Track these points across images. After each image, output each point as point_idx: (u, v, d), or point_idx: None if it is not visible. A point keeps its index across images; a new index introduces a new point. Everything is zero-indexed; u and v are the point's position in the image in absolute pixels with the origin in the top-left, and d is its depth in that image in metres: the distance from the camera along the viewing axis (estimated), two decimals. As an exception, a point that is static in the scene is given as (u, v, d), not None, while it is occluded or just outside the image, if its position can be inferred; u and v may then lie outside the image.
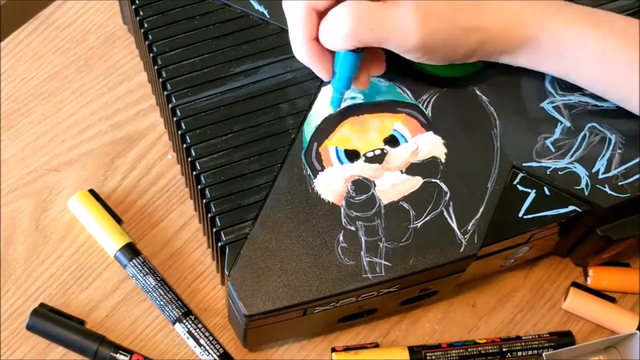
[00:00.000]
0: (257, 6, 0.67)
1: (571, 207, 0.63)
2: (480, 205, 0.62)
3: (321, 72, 0.60)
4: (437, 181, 0.62)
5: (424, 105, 0.64)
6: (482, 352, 0.68)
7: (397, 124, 0.64)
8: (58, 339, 0.69)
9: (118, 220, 0.72)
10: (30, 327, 0.69)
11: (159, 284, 0.70)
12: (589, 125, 0.64)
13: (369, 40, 0.57)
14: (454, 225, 0.61)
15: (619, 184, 0.63)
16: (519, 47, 0.60)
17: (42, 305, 0.70)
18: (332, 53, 0.60)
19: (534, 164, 0.63)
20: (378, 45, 0.58)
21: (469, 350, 0.68)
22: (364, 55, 0.60)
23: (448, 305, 0.72)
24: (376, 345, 0.69)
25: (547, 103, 0.65)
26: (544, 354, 0.66)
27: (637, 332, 0.65)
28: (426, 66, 0.62)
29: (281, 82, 0.65)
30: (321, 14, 0.58)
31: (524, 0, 0.59)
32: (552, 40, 0.59)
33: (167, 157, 0.76)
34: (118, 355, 0.68)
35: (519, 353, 0.69)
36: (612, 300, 0.71)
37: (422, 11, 0.57)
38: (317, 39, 0.59)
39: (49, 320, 0.69)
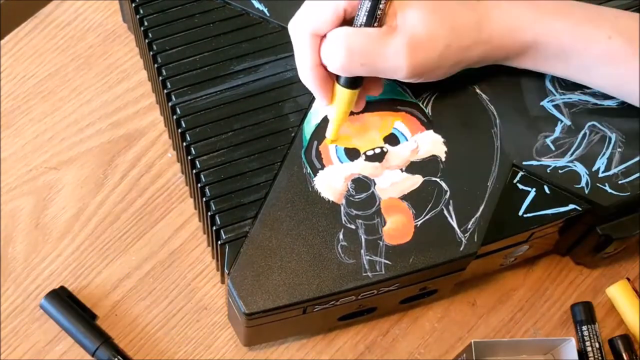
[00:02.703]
0: (257, 4, 0.67)
1: (571, 206, 0.63)
2: (480, 203, 0.62)
3: (323, 99, 0.60)
4: (437, 180, 0.62)
5: (424, 104, 0.64)
6: None
7: (397, 122, 0.64)
8: (64, 327, 0.69)
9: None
10: (43, 307, 0.69)
11: None
12: (589, 123, 0.64)
13: (361, 72, 0.58)
14: (454, 224, 0.61)
15: (619, 182, 0.63)
16: (523, 52, 0.60)
17: (62, 288, 0.70)
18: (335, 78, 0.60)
19: (534, 163, 0.63)
20: (371, 75, 0.59)
21: None
22: (361, 88, 0.60)
23: (448, 304, 0.72)
24: None
25: (547, 101, 0.65)
26: (472, 341, 0.65)
27: (571, 338, 0.66)
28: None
29: (281, 81, 0.65)
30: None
31: (524, 1, 0.59)
32: (556, 43, 0.59)
33: (167, 155, 0.76)
34: None
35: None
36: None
37: (412, 47, 0.56)
38: (322, 64, 0.58)
39: (63, 305, 0.69)
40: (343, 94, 0.60)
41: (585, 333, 0.70)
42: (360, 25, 0.56)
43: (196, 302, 0.72)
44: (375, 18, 0.56)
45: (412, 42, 0.56)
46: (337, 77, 0.60)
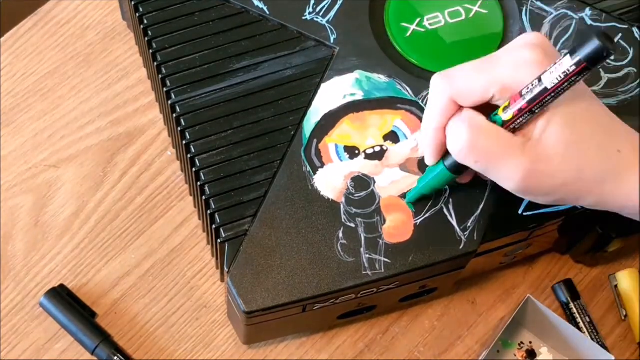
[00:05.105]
0: (256, 2, 0.67)
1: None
2: (480, 202, 0.62)
3: (428, 159, 0.58)
4: (437, 178, 0.62)
5: (424, 102, 0.64)
6: None
7: (397, 120, 0.64)
8: (64, 325, 0.69)
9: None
10: (43, 305, 0.69)
11: None
12: (589, 122, 0.64)
13: (471, 166, 0.54)
14: (454, 222, 0.61)
15: (619, 181, 0.63)
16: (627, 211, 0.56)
17: (61, 286, 0.70)
18: None
19: (534, 161, 0.63)
20: (477, 171, 0.56)
21: None
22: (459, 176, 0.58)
23: (448, 302, 0.72)
24: None
25: (547, 100, 0.65)
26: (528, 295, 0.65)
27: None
28: (426, 63, 0.62)
29: (281, 79, 0.65)
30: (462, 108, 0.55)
31: None
32: None
33: (166, 153, 0.76)
34: (115, 358, 0.68)
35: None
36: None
37: (531, 173, 0.53)
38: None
39: (62, 304, 0.69)
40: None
41: (574, 310, 0.70)
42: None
43: (196, 300, 0.72)
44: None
45: (533, 168, 0.53)
46: (447, 153, 0.57)
